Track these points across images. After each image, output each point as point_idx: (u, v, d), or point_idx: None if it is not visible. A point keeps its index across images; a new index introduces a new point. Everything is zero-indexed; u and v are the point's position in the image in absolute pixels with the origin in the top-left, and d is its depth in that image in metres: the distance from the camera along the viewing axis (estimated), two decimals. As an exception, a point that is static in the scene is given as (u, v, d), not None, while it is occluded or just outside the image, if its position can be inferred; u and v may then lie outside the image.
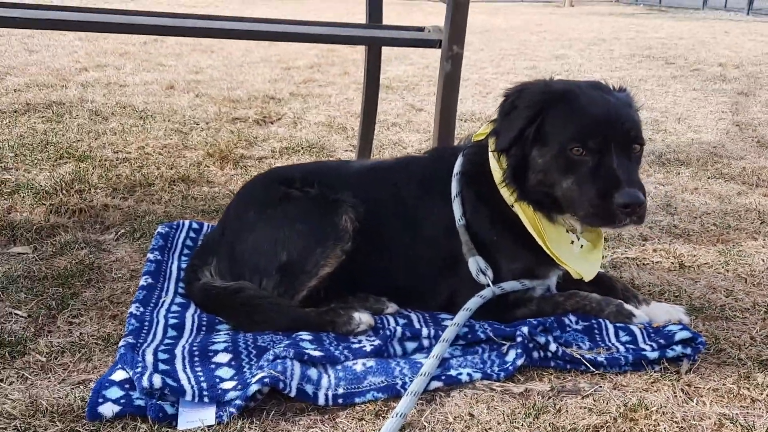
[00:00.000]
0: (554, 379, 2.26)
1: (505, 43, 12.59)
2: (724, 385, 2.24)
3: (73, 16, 3.53)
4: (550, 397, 2.14)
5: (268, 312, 2.46)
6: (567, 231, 2.50)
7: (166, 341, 2.32)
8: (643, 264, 3.23)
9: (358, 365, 2.20)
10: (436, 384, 2.16)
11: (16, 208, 3.52)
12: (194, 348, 2.25)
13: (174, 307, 2.56)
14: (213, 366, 2.17)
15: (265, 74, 8.32)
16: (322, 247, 2.53)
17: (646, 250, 3.38)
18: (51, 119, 5.47)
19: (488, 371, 2.23)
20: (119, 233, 3.31)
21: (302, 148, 5.04)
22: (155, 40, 10.50)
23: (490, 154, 2.55)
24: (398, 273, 2.68)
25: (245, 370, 2.16)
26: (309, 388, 2.07)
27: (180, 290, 2.72)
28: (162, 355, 2.20)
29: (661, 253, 3.35)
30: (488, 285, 2.51)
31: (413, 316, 2.63)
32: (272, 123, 5.88)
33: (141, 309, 2.48)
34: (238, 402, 1.97)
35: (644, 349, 2.35)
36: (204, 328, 2.45)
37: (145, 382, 1.94)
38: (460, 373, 2.20)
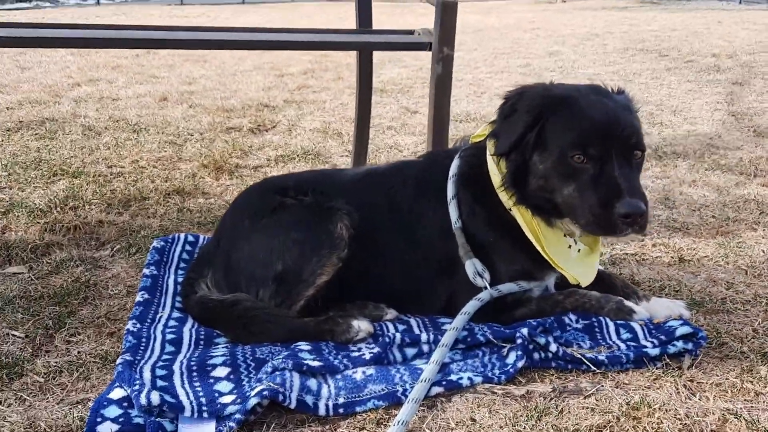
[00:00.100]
0: (556, 380, 2.24)
1: (498, 42, 12.57)
2: (727, 379, 2.22)
3: (61, 33, 3.53)
4: (552, 399, 2.13)
5: (266, 323, 2.44)
6: (565, 235, 2.49)
7: (164, 357, 2.30)
8: (643, 259, 3.21)
9: (358, 374, 2.18)
10: (437, 389, 2.14)
11: (10, 227, 3.50)
12: (192, 363, 2.23)
13: (171, 322, 2.55)
14: (211, 380, 2.15)
15: (258, 82, 8.30)
16: (317, 256, 2.51)
17: (645, 245, 3.36)
18: (44, 136, 5.45)
19: (489, 374, 2.21)
20: (115, 249, 3.30)
21: (297, 155, 5.03)
22: (147, 53, 10.49)
23: (489, 157, 2.53)
24: (396, 278, 2.67)
25: (244, 383, 2.14)
26: (309, 399, 2.06)
27: (177, 304, 2.70)
28: (160, 372, 2.18)
29: (661, 247, 3.33)
30: (485, 288, 2.49)
31: (412, 321, 2.61)
32: (267, 131, 5.87)
33: (138, 325, 2.47)
34: (237, 416, 1.95)
35: (645, 346, 2.34)
36: (202, 342, 2.43)
37: (143, 400, 1.92)
38: (461, 378, 2.18)
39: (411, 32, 3.85)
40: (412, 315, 2.67)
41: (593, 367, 2.27)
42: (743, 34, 12.64)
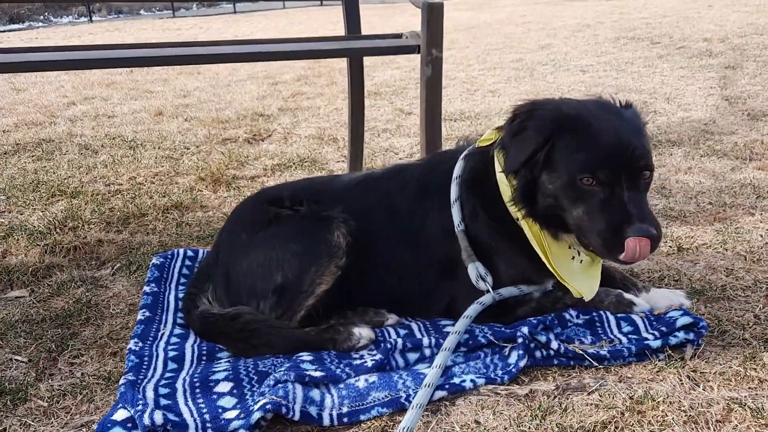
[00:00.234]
0: (558, 377, 2.24)
1: (490, 38, 12.57)
2: (730, 367, 2.22)
3: (54, 56, 3.54)
4: (555, 397, 2.13)
5: (267, 336, 2.45)
6: (569, 247, 2.49)
7: (167, 375, 2.31)
8: (642, 250, 3.20)
9: (361, 381, 2.19)
10: (440, 394, 2.14)
11: (10, 251, 3.51)
12: (195, 379, 2.24)
13: (173, 339, 2.55)
14: (215, 396, 2.15)
15: (252, 92, 8.32)
16: (316, 266, 2.52)
17: (643, 236, 3.35)
18: (41, 157, 5.47)
19: (492, 375, 2.22)
20: (115, 268, 3.31)
21: (294, 163, 5.04)
22: (141, 68, 10.51)
23: (496, 165, 2.52)
24: (396, 281, 2.67)
25: (247, 397, 2.15)
26: (313, 410, 2.06)
27: (179, 321, 2.71)
28: (163, 390, 2.19)
29: (659, 237, 3.32)
30: (488, 291, 2.50)
31: (414, 326, 2.62)
32: (263, 140, 5.88)
33: (140, 344, 2.47)
34: (241, 431, 1.95)
35: (647, 339, 2.34)
36: (204, 358, 2.44)
37: (146, 420, 1.93)
38: (464, 380, 2.18)
39: (399, 36, 3.86)
40: (413, 319, 2.68)
41: (595, 363, 2.27)
42: (734, 17, 12.62)
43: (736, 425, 1.95)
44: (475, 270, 2.52)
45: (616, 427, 1.96)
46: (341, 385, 2.18)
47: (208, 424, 1.99)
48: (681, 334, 2.32)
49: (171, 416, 1.98)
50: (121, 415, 2.02)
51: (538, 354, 2.30)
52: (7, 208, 4.22)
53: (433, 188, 2.67)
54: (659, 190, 3.97)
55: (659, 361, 2.27)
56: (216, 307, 2.65)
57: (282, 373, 2.17)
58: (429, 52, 3.41)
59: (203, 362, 2.41)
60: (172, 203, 4.20)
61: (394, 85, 8.24)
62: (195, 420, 1.99)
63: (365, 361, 2.30)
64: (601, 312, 2.52)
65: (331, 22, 17.38)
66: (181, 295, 2.88)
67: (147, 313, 2.71)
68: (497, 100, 6.98)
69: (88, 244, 3.59)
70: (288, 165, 5.00)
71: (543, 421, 2.01)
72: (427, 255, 2.64)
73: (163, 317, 2.73)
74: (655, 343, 2.30)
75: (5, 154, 5.64)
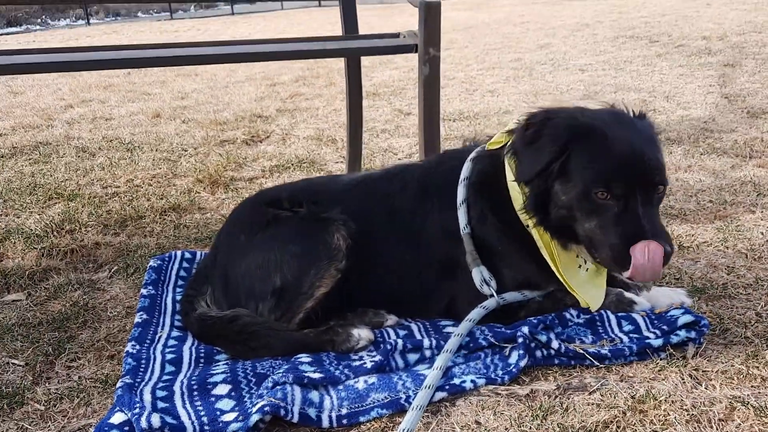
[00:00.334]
0: (559, 377, 2.22)
1: (489, 38, 12.57)
2: (732, 366, 2.20)
3: (50, 57, 3.52)
4: (556, 396, 2.11)
5: (265, 338, 2.43)
6: (577, 256, 2.48)
7: (165, 377, 2.29)
8: (642, 249, 3.19)
9: (360, 383, 2.17)
10: (440, 395, 2.12)
11: (7, 254, 3.49)
12: (193, 382, 2.22)
13: (171, 342, 2.53)
14: (213, 399, 2.13)
15: (250, 93, 8.31)
16: (315, 268, 2.50)
17: (643, 234, 3.34)
18: (38, 161, 5.46)
19: (492, 376, 2.20)
20: (112, 270, 3.29)
21: (292, 164, 5.02)
22: (139, 70, 10.50)
23: (507, 170, 2.50)
24: (396, 282, 2.65)
25: (246, 399, 2.13)
26: (312, 412, 2.04)
27: (176, 323, 2.69)
28: (160, 393, 2.17)
29: (659, 235, 3.31)
30: (491, 295, 2.48)
31: (413, 326, 2.60)
32: (261, 142, 5.87)
33: (137, 347, 2.46)
34: (240, 434, 1.94)
35: (648, 337, 2.32)
36: (202, 360, 2.42)
37: (143, 423, 1.91)
38: (464, 381, 2.16)
39: (396, 35, 3.84)
40: (413, 319, 2.66)
41: (597, 362, 2.26)
42: (733, 15, 12.62)
43: (739, 424, 1.93)
44: (479, 274, 2.50)
45: (618, 427, 1.94)
46: (340, 387, 2.16)
47: (206, 427, 1.97)
48: (682, 333, 2.30)
49: (168, 419, 1.96)
50: (118, 418, 2.00)
51: (538, 354, 2.28)
52: (4, 211, 4.21)
53: (434, 189, 2.66)
54: (659, 189, 3.95)
55: (661, 360, 2.25)
56: (214, 310, 2.63)
57: (280, 374, 2.15)
58: (426, 51, 3.39)
59: (201, 365, 2.39)
60: (170, 205, 4.18)
61: (393, 86, 8.23)
62: (193, 423, 1.97)
63: (364, 363, 2.28)
64: (602, 311, 2.50)
65: (329, 23, 17.38)
66: (178, 298, 2.86)
67: (144, 316, 2.69)
68: (496, 100, 6.97)
69: (85, 246, 3.57)
70: (286, 166, 4.98)
71: (544, 421, 1.99)
72: (428, 255, 2.62)
73: (161, 320, 2.71)
74: (657, 342, 2.28)
75: (2, 157, 5.62)
